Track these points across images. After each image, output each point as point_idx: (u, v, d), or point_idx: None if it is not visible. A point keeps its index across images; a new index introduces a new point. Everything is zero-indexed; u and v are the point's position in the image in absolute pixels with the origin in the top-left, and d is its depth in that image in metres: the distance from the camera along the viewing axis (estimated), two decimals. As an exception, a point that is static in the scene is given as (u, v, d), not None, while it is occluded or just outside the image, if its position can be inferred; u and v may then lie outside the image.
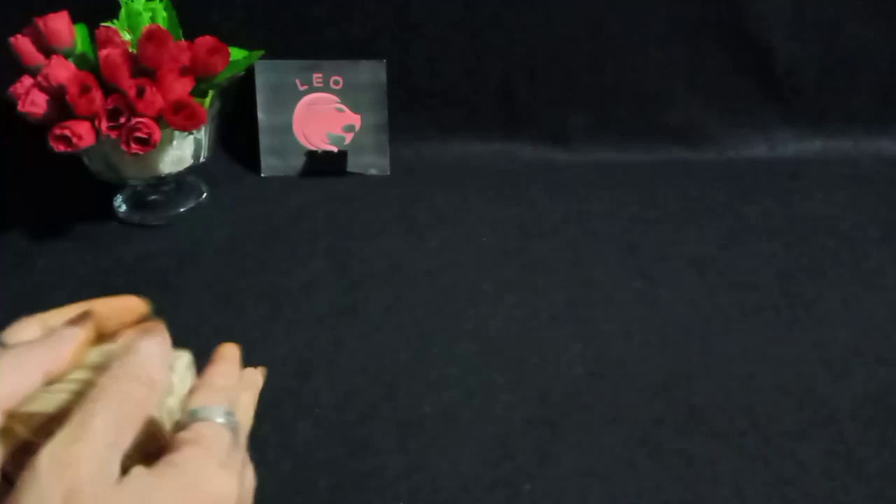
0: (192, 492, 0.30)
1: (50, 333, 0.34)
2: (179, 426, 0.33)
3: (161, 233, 0.86)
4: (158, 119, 0.76)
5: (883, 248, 0.81)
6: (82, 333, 0.34)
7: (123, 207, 0.88)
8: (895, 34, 0.93)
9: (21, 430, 0.32)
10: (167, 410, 0.34)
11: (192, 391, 0.35)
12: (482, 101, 0.96)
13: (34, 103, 0.75)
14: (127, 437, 0.30)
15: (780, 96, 0.95)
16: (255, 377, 0.40)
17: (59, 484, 0.27)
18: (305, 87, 0.91)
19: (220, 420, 0.34)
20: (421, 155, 0.96)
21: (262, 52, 0.85)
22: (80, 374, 0.33)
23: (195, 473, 0.31)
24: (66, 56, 0.78)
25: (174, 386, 0.34)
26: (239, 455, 0.34)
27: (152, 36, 0.75)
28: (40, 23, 0.77)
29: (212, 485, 0.31)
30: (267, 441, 0.61)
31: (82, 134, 0.74)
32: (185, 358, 0.36)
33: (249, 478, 0.37)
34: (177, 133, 0.81)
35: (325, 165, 0.94)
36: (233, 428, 0.34)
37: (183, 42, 0.79)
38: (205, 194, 0.90)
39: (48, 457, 0.28)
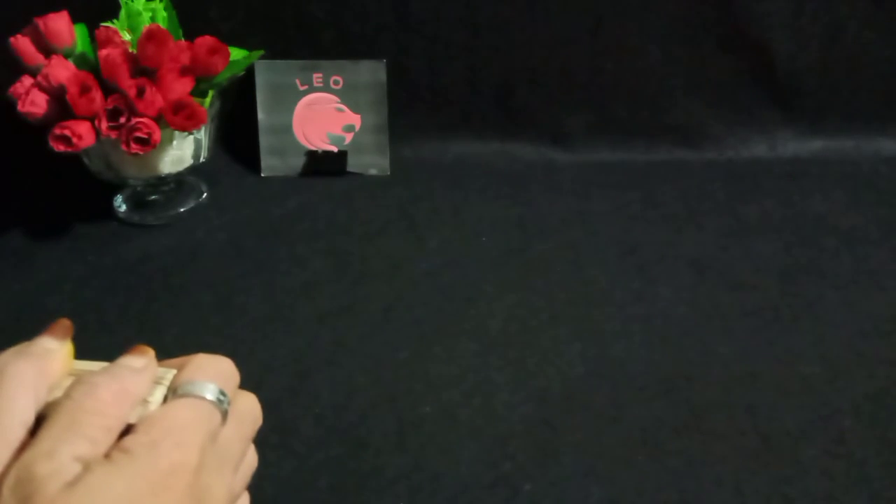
0: (145, 475, 0.30)
1: (39, 348, 0.34)
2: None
3: (161, 233, 0.85)
4: (158, 119, 0.76)
5: (883, 248, 0.81)
6: (67, 345, 0.35)
7: (123, 207, 0.88)
8: (895, 34, 0.93)
9: None
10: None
11: (181, 369, 0.34)
12: (482, 101, 0.95)
13: (34, 103, 0.75)
14: (96, 449, 0.30)
15: (780, 96, 0.95)
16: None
17: None
18: (305, 87, 0.91)
19: (210, 397, 0.33)
20: (421, 155, 0.96)
21: (262, 52, 0.85)
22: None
23: (146, 453, 0.30)
24: (66, 56, 0.78)
25: (150, 405, 0.33)
26: (218, 433, 0.33)
27: (152, 36, 0.75)
28: (40, 23, 0.77)
29: (163, 462, 0.30)
30: (267, 441, 0.61)
31: (82, 134, 0.74)
32: (170, 376, 0.35)
33: (249, 461, 0.36)
34: (177, 133, 0.81)
35: (325, 165, 0.94)
36: (223, 409, 0.33)
37: (183, 42, 0.79)
38: (205, 194, 0.90)
39: (13, 479, 0.29)
